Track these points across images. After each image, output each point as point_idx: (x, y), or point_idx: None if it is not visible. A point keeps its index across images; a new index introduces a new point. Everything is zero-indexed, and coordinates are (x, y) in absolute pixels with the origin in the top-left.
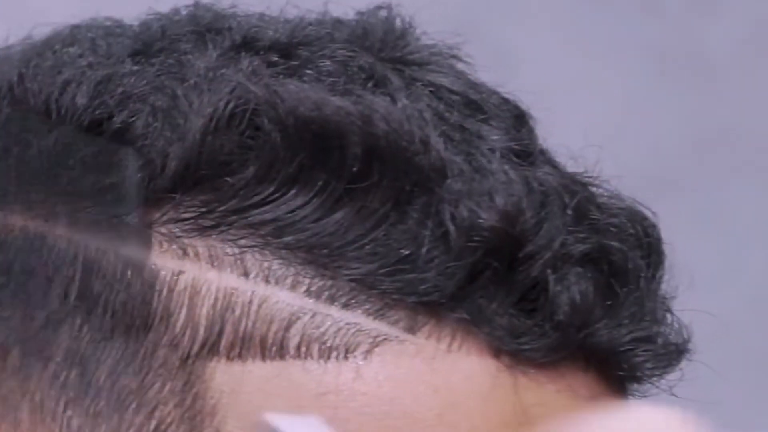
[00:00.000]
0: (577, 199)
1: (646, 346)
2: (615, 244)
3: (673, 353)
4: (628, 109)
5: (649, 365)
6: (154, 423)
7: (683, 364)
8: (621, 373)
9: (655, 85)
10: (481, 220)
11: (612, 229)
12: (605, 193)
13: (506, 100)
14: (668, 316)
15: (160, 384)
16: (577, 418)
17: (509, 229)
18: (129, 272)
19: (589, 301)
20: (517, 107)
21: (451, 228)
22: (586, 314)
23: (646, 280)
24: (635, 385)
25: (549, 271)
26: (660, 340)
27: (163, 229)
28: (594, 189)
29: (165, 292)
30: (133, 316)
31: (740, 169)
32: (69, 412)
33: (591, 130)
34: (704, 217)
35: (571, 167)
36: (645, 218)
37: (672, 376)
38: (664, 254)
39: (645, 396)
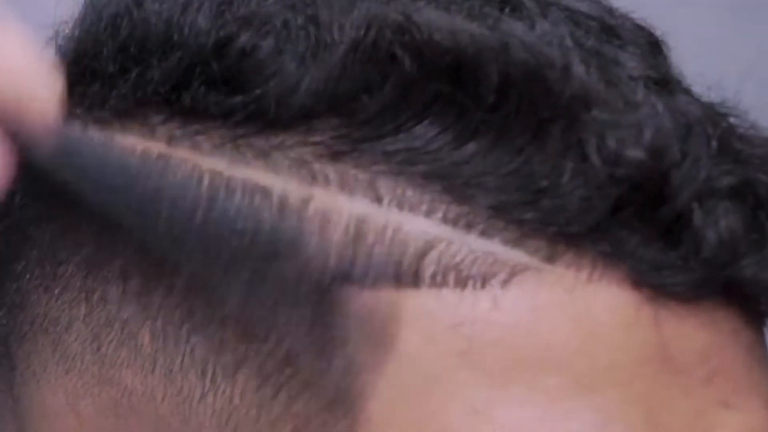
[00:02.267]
0: (720, 130)
1: None
2: (761, 176)
3: None
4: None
5: None
6: (282, 351)
7: None
8: (763, 308)
9: None
10: (628, 154)
11: (755, 160)
12: (745, 124)
13: (641, 27)
14: None
15: (289, 312)
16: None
17: (657, 164)
18: (256, 197)
19: (736, 236)
20: (651, 34)
21: (596, 159)
22: (733, 249)
23: None
24: None
25: (695, 204)
26: None
27: (292, 153)
28: (733, 119)
29: (294, 218)
30: (261, 243)
31: None
32: (193, 339)
33: (728, 60)
34: None
35: (707, 97)
36: None
37: None
38: None
39: None
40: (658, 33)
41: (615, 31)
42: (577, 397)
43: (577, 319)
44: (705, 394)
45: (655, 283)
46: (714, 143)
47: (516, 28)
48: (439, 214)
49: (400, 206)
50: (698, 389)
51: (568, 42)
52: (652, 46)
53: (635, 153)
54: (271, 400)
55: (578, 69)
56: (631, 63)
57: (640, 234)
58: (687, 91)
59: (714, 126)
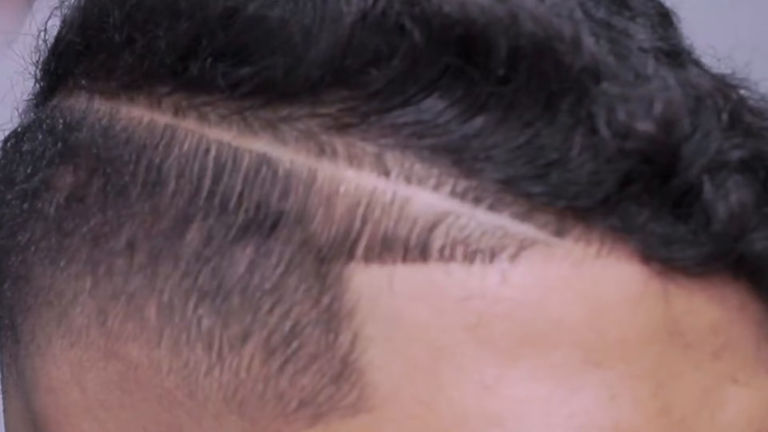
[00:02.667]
0: (731, 102)
1: None
2: None
3: None
4: None
5: None
6: (289, 324)
7: None
8: None
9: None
10: (638, 127)
11: (766, 133)
12: (755, 96)
13: None
14: None
15: (296, 284)
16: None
17: (667, 138)
18: (263, 169)
19: (746, 210)
20: (661, 5)
21: (606, 133)
22: (743, 223)
23: None
24: None
25: (705, 177)
26: None
27: (300, 125)
28: (744, 92)
29: (301, 190)
30: (267, 214)
31: None
32: (199, 312)
33: (740, 30)
34: None
35: (717, 69)
36: None
37: None
38: None
39: None
40: (667, 4)
41: (625, 2)
42: (585, 372)
43: (585, 295)
44: (714, 370)
45: (664, 257)
46: (725, 116)
47: (525, 0)
48: (447, 188)
49: (408, 180)
50: (707, 364)
51: (578, 14)
52: (662, 17)
53: (645, 126)
54: (278, 374)
55: (588, 41)
56: (641, 35)
57: (650, 208)
58: (697, 63)
59: (725, 99)
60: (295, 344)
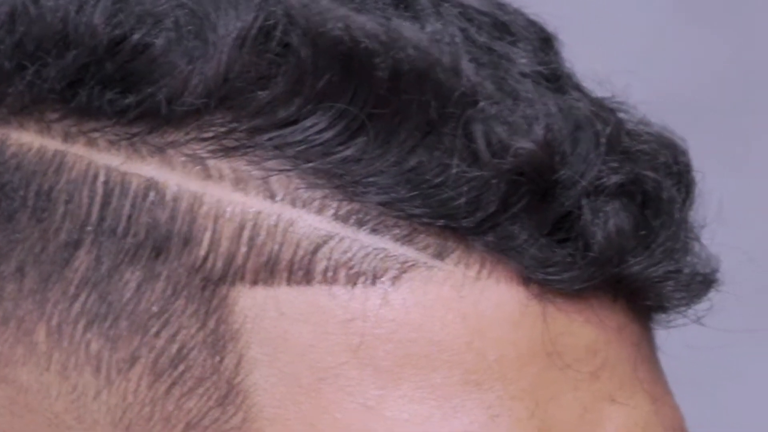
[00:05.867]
0: (610, 126)
1: (677, 277)
2: (649, 173)
3: (702, 283)
4: (659, 33)
5: (678, 296)
6: (176, 346)
7: (712, 294)
8: (648, 303)
9: (689, 7)
10: (518, 147)
11: (644, 157)
12: (633, 119)
13: (532, 22)
14: (697, 245)
15: (182, 308)
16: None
17: (547, 158)
18: (151, 193)
19: (624, 235)
20: (543, 29)
21: (485, 152)
22: (621, 248)
23: (679, 210)
24: (662, 315)
25: (584, 201)
26: (689, 271)
27: (186, 150)
28: (623, 115)
29: (188, 214)
30: (155, 239)
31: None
32: (88, 336)
33: (619, 55)
34: (733, 147)
35: (597, 92)
36: (675, 145)
37: (700, 306)
38: (694, 182)
39: (670, 325)
40: (549, 28)
41: (507, 27)
42: (465, 393)
43: (465, 316)
44: (592, 389)
45: (543, 279)
46: (603, 140)
47: (406, 26)
48: (331, 211)
49: (293, 203)
50: (585, 384)
51: (459, 40)
52: (543, 42)
53: (525, 144)
54: (165, 397)
55: (467, 67)
56: (522, 59)
57: (530, 230)
58: (578, 87)
59: (603, 123)
60: (181, 367)
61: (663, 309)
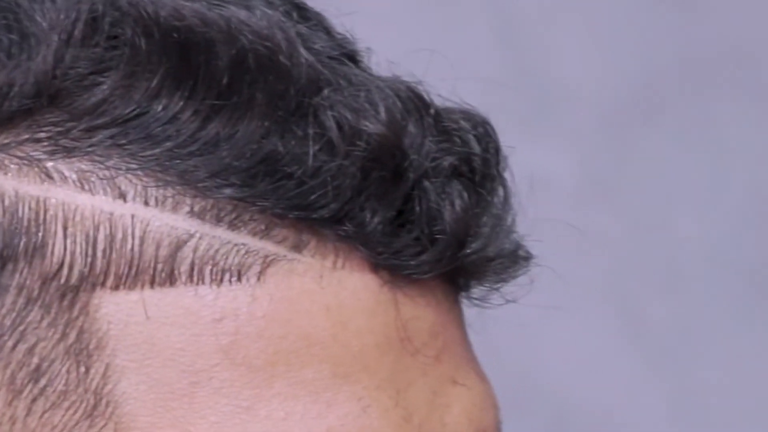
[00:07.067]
0: (432, 107)
1: (510, 254)
2: (476, 151)
3: (525, 259)
4: (614, 28)
5: (510, 272)
6: (35, 360)
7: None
8: (475, 282)
9: (641, 3)
10: (368, 129)
11: (465, 134)
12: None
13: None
14: (514, 221)
15: (38, 319)
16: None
17: (396, 139)
18: None
19: (468, 215)
20: (322, 15)
21: (337, 137)
22: (468, 227)
23: (502, 186)
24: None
25: (426, 183)
26: (513, 247)
27: (19, 152)
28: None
29: (33, 221)
30: None
31: (727, 89)
32: None
33: (576, 50)
34: (690, 138)
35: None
36: (480, 117)
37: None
38: (503, 154)
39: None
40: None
41: (304, 13)
42: (336, 386)
43: (328, 308)
44: (437, 373)
45: (391, 265)
46: (430, 121)
47: (241, 13)
48: (186, 209)
49: (146, 202)
50: (431, 368)
51: (288, 26)
52: (327, 27)
53: (374, 128)
54: (26, 414)
55: (304, 53)
56: (323, 42)
57: (379, 216)
58: (369, 67)
59: (423, 103)
60: (43, 381)
61: (478, 286)
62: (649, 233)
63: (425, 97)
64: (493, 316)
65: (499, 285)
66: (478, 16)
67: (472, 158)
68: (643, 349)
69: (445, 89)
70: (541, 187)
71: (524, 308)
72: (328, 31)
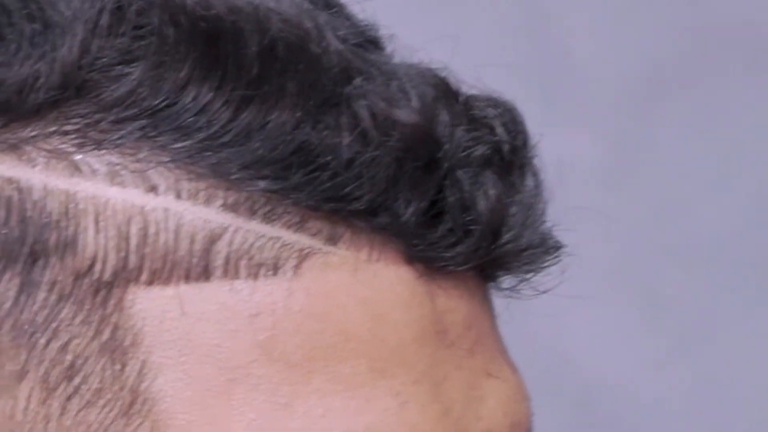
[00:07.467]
0: (461, 94)
1: (542, 244)
2: (505, 139)
3: (555, 249)
4: (634, 8)
5: (540, 263)
6: (69, 357)
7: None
8: (509, 273)
9: None
10: (401, 118)
11: (495, 122)
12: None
13: None
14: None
15: (70, 316)
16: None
17: (429, 128)
18: (14, 195)
19: (503, 204)
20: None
21: (371, 127)
22: (502, 217)
23: (533, 174)
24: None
25: (459, 173)
26: (544, 237)
27: (46, 145)
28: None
29: (61, 214)
30: (24, 244)
31: (750, 67)
32: None
33: (597, 32)
34: (702, 120)
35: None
36: (510, 106)
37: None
38: (532, 142)
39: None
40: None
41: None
42: (373, 381)
43: (364, 301)
44: (472, 366)
45: (426, 257)
46: (460, 109)
47: (266, 0)
48: (219, 202)
49: (178, 195)
50: (466, 360)
51: (317, 13)
52: (346, 10)
53: (408, 116)
54: (61, 413)
55: (334, 41)
56: (347, 29)
57: (414, 206)
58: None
59: (435, 88)
60: (77, 379)
61: (508, 276)
62: (669, 216)
63: (453, 84)
64: (519, 302)
65: (529, 276)
66: (498, 2)
67: (502, 146)
68: (665, 330)
69: (469, 76)
70: (565, 172)
71: (550, 295)
72: (349, 17)
